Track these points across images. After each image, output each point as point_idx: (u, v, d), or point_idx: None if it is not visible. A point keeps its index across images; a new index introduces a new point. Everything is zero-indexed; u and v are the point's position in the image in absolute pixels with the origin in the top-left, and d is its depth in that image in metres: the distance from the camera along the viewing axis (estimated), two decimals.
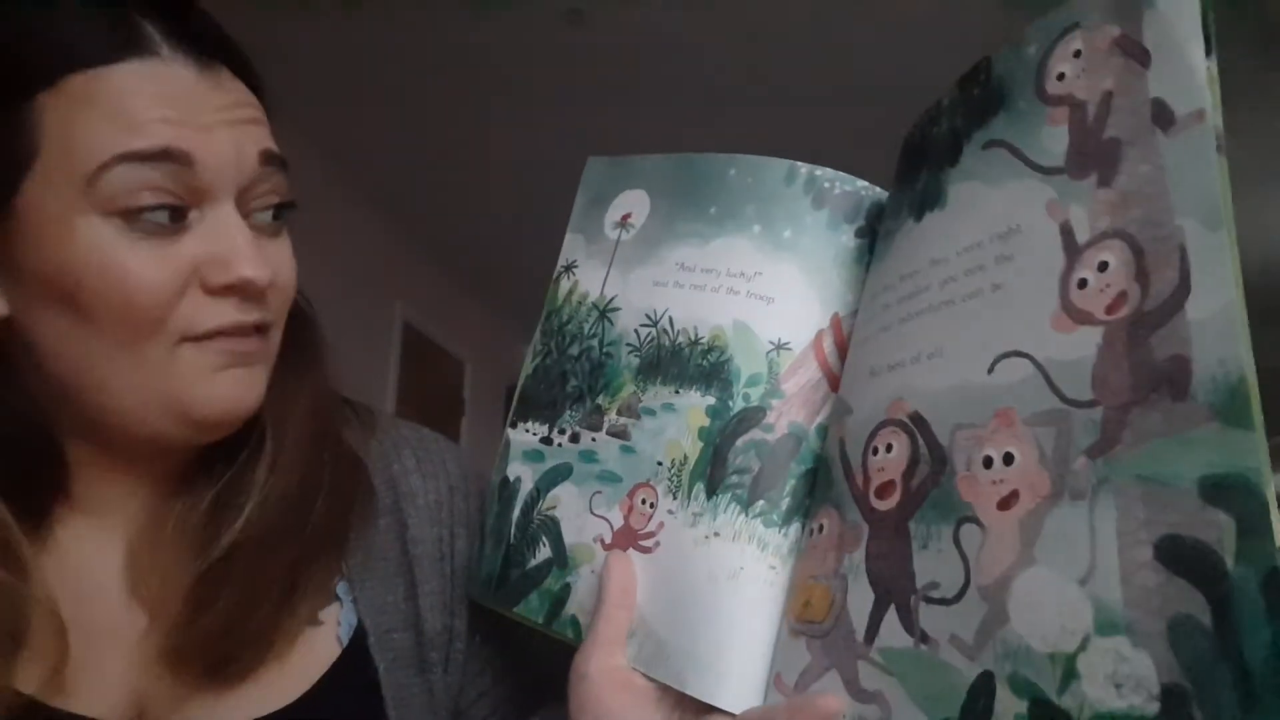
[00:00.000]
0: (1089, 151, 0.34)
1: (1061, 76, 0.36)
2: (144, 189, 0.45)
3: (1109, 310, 0.32)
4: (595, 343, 0.55)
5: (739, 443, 0.47)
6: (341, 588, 0.57)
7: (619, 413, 0.52)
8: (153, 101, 0.46)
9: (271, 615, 0.51)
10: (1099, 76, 0.34)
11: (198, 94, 0.47)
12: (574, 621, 0.50)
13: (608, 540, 0.50)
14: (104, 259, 0.45)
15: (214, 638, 0.49)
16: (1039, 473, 0.34)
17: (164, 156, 0.45)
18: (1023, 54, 0.38)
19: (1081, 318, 0.33)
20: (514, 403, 0.58)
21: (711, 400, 0.49)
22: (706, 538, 0.46)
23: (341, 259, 3.41)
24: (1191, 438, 0.29)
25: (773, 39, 2.55)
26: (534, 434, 0.55)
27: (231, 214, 0.48)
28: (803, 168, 0.51)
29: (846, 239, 0.50)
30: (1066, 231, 0.34)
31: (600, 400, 0.53)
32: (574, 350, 0.55)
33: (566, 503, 0.52)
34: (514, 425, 0.57)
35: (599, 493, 0.51)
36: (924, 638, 0.37)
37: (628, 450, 0.51)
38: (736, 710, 0.43)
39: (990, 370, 0.36)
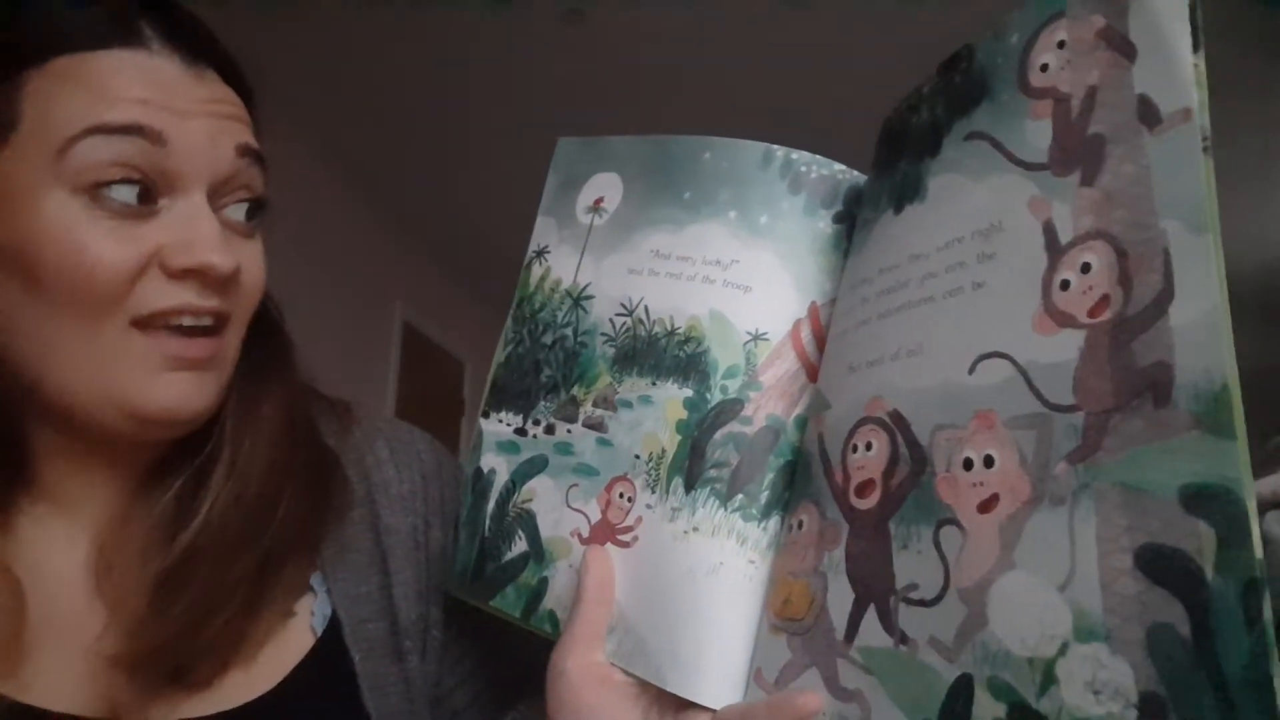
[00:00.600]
0: (1072, 148, 0.33)
1: (1045, 68, 0.35)
2: (112, 163, 0.45)
3: (1092, 313, 0.32)
4: (569, 331, 0.54)
5: (717, 436, 0.47)
6: (316, 578, 0.56)
7: (595, 404, 0.51)
8: (132, 82, 0.46)
9: (233, 622, 0.50)
10: (1083, 69, 0.33)
11: (180, 85, 0.47)
12: (551, 616, 0.49)
13: (585, 535, 0.49)
14: (67, 234, 0.45)
15: (172, 642, 0.48)
16: (1019, 476, 0.33)
17: (134, 130, 0.45)
18: (1005, 43, 0.37)
19: (1064, 320, 0.32)
20: (486, 392, 0.57)
21: (689, 393, 0.48)
22: (685, 532, 0.46)
23: (341, 259, 3.39)
24: (1173, 446, 0.29)
25: (773, 38, 2.53)
26: (508, 424, 0.55)
27: (202, 204, 0.48)
28: (778, 151, 0.50)
29: (824, 225, 0.49)
30: (1049, 230, 0.34)
31: (575, 391, 0.52)
32: (547, 339, 0.54)
33: (542, 496, 0.52)
34: (486, 415, 0.56)
35: (575, 486, 0.50)
36: (903, 638, 0.36)
37: (604, 443, 0.50)
38: (716, 706, 0.43)
39: (971, 371, 0.36)
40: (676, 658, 0.44)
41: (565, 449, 0.52)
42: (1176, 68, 0.30)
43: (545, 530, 0.51)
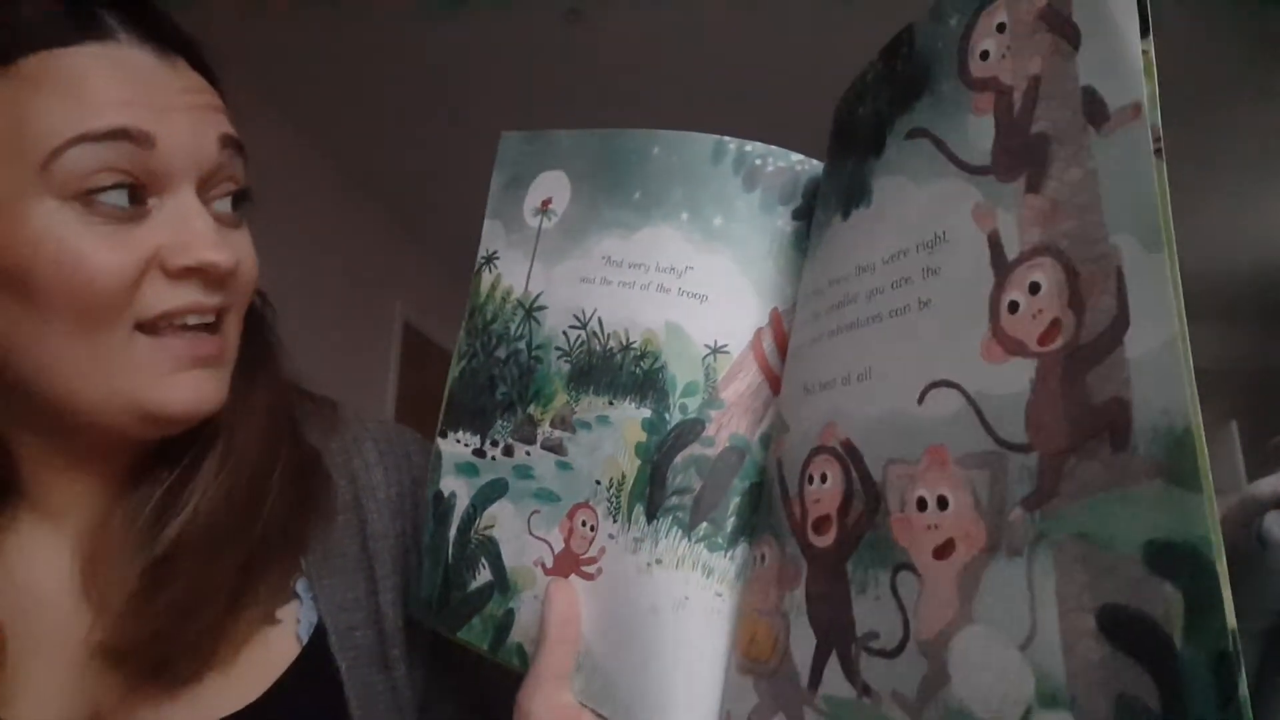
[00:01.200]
0: (1015, 149, 0.29)
1: (985, 55, 0.31)
2: (101, 170, 0.44)
3: (1042, 340, 0.28)
4: (523, 345, 0.51)
5: (678, 460, 0.44)
6: (301, 585, 0.55)
7: (553, 424, 0.48)
8: (109, 82, 0.45)
9: (216, 618, 0.50)
10: (1024, 57, 0.29)
11: (156, 77, 0.46)
12: (519, 649, 0.47)
13: (549, 565, 0.47)
14: (60, 244, 0.44)
15: (152, 639, 0.48)
16: (974, 521, 0.30)
17: (121, 136, 0.44)
18: (944, 25, 0.33)
19: (1013, 347, 0.29)
20: (442, 409, 0.54)
21: (647, 413, 0.45)
22: (649, 565, 0.43)
23: (341, 259, 3.40)
24: (1133, 495, 0.25)
25: (774, 39, 2.48)
26: (465, 445, 0.52)
27: (193, 200, 0.47)
28: (730, 143, 0.46)
29: (783, 223, 0.45)
30: (995, 244, 0.30)
31: (532, 410, 0.49)
32: (501, 352, 0.52)
33: (504, 522, 0.49)
34: (444, 435, 0.53)
35: (537, 512, 0.48)
36: (866, 690, 0.33)
37: (564, 467, 0.47)
38: None
39: (920, 400, 0.32)
40: (645, 698, 0.42)
41: (525, 472, 0.49)
42: (1123, 55, 0.26)
43: (509, 559, 0.48)
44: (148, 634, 0.47)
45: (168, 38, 0.48)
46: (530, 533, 0.48)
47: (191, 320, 0.47)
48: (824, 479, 0.36)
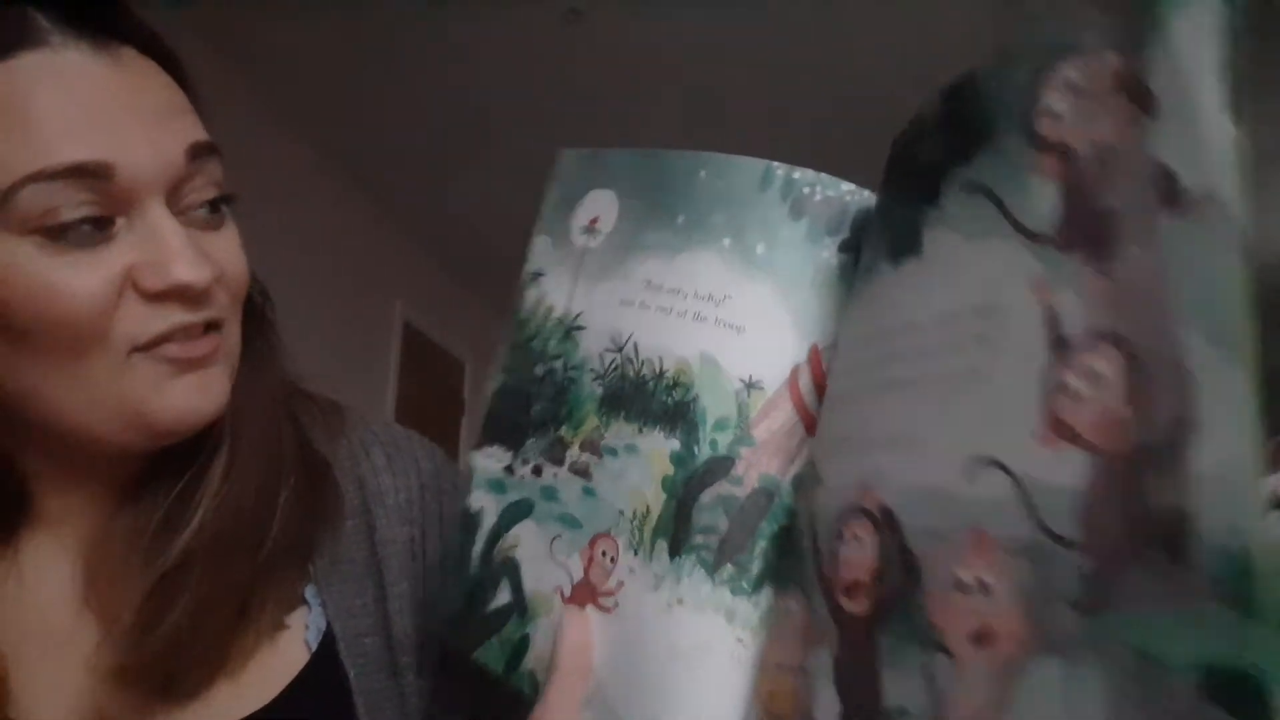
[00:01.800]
0: (1081, 222, 0.27)
1: (1056, 115, 0.28)
2: (61, 205, 0.42)
3: (1098, 433, 0.26)
4: (559, 364, 0.49)
5: (704, 498, 0.42)
6: (309, 591, 0.55)
7: (582, 447, 0.47)
8: (54, 105, 0.42)
9: (225, 630, 0.50)
10: (1096, 121, 0.27)
11: (104, 85, 0.43)
12: (531, 677, 0.46)
13: (567, 592, 0.46)
14: (28, 279, 0.42)
15: (162, 655, 0.47)
16: (1017, 614, 0.28)
17: (76, 173, 0.42)
18: (1011, 76, 0.30)
19: (1067, 435, 0.27)
20: (482, 423, 0.54)
21: (676, 445, 0.43)
22: (669, 605, 0.42)
23: (342, 258, 3.42)
24: (1191, 614, 0.23)
25: (774, 39, 2.44)
26: (497, 461, 0.51)
27: (162, 215, 0.45)
28: (779, 169, 0.44)
29: (828, 254, 0.43)
30: (1052, 321, 0.28)
31: (563, 431, 0.48)
32: (539, 370, 0.50)
33: (527, 543, 0.48)
34: (479, 448, 0.53)
35: (559, 537, 0.47)
36: None
37: (589, 493, 0.46)
38: None
39: (966, 477, 0.30)
40: None
41: (551, 494, 0.48)
42: (1202, 135, 0.24)
43: (529, 582, 0.48)
44: (157, 652, 0.47)
45: (106, 25, 0.45)
46: (552, 557, 0.47)
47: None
48: (858, 542, 0.35)
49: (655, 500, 0.43)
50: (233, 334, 0.50)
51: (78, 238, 0.43)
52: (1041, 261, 0.28)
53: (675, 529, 0.42)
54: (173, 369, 0.46)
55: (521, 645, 0.47)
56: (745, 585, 0.41)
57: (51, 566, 0.51)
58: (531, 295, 0.52)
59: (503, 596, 0.48)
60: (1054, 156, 0.28)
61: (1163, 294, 0.24)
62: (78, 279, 0.43)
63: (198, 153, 0.46)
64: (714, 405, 0.43)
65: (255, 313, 0.54)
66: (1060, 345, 0.27)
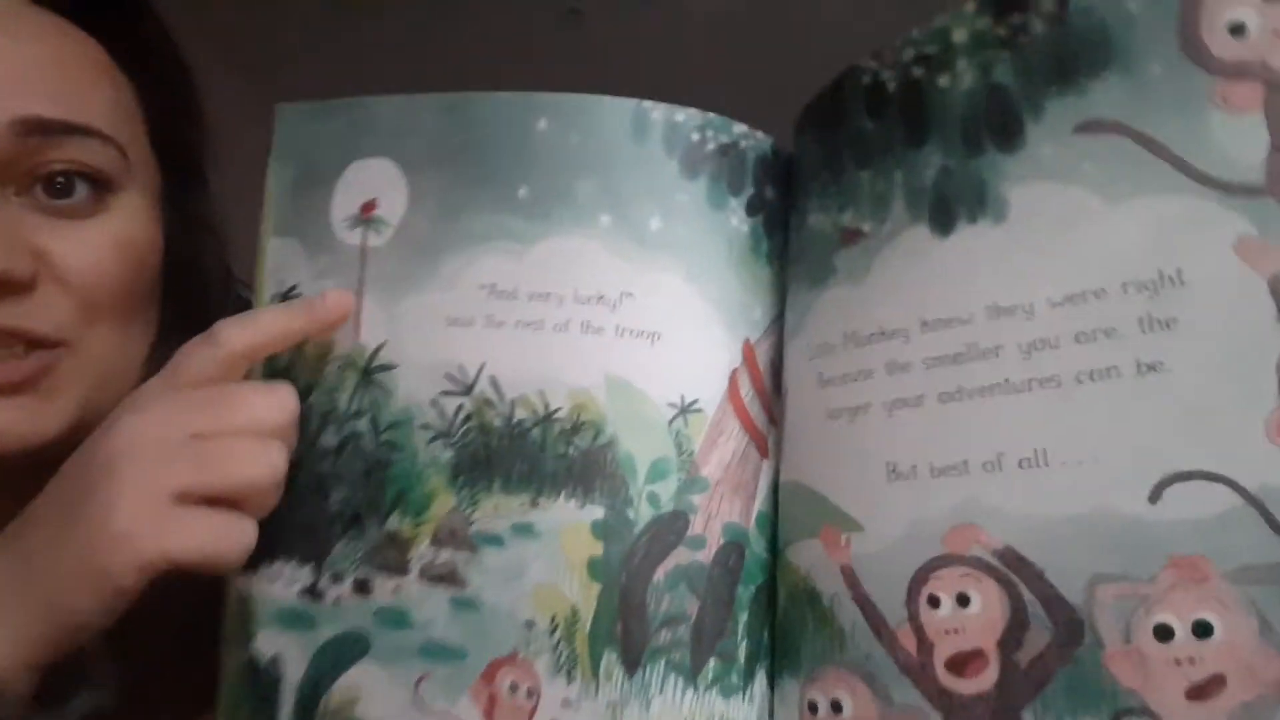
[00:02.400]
0: None
1: (1239, 30, 0.21)
2: None
3: None
4: (364, 425, 0.34)
5: (659, 577, 0.30)
6: None
7: (437, 541, 0.32)
8: None
9: None
10: None
11: None
12: None
13: None
14: None
15: None
16: (1261, 651, 0.21)
17: None
18: None
19: None
20: None
21: (598, 512, 0.31)
22: None
23: None
24: None
25: (778, 39, 2.43)
26: (289, 583, 0.34)
27: None
28: (654, 111, 0.33)
29: (737, 220, 0.33)
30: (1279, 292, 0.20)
31: (396, 524, 0.33)
32: (329, 439, 0.34)
33: (375, 695, 0.32)
34: (253, 569, 0.35)
35: (427, 677, 0.32)
36: None
37: (465, 605, 0.32)
38: None
39: (1154, 497, 0.22)
40: None
41: (397, 619, 0.32)
42: None
43: None
44: None
45: None
46: (423, 708, 0.32)
47: None
48: (963, 601, 0.25)
49: (582, 595, 0.30)
50: (86, 351, 0.40)
51: None
52: (1250, 219, 0.20)
53: (626, 630, 0.30)
54: None
55: None
56: (735, 679, 0.30)
57: None
58: None
59: None
60: (1249, 82, 0.20)
61: None
62: None
63: (32, 129, 0.37)
64: (642, 445, 0.31)
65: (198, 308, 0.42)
66: None
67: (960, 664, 0.25)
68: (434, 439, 0.33)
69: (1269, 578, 0.21)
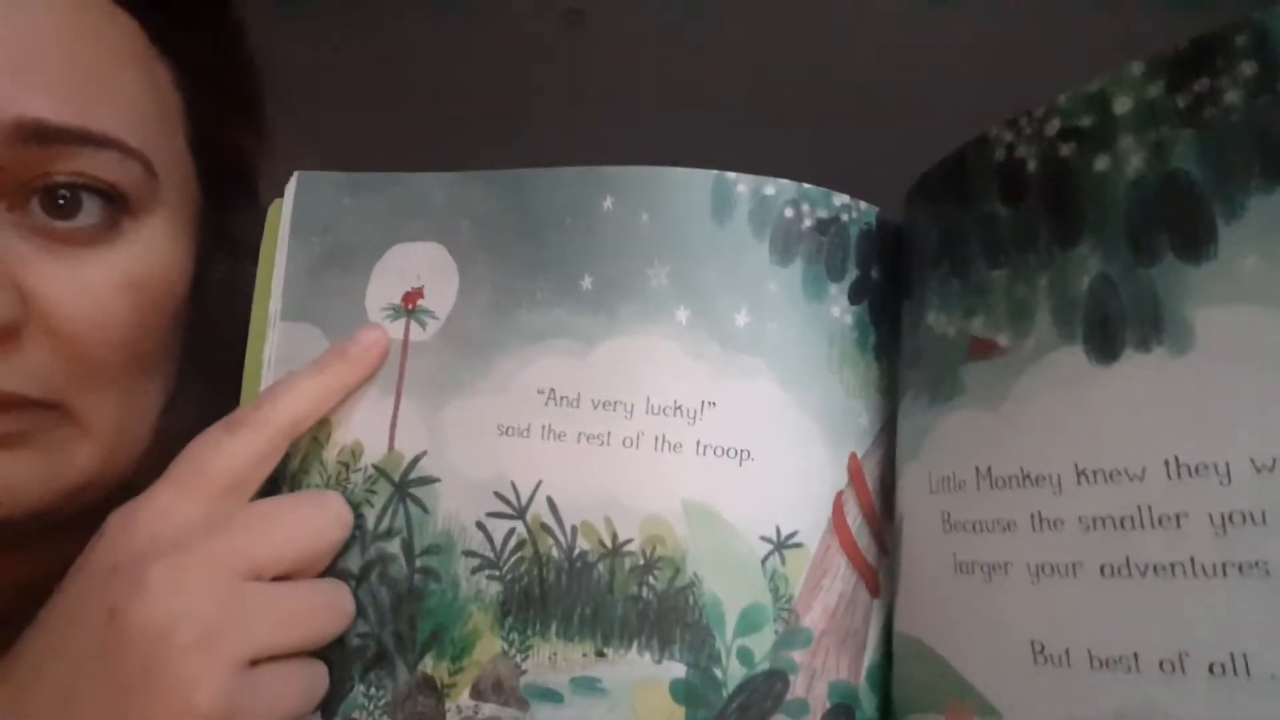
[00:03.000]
0: None
1: None
2: None
3: None
4: (396, 547, 0.29)
5: None
6: None
7: (479, 693, 0.27)
8: None
9: None
10: None
11: None
12: None
13: None
14: None
15: None
16: None
17: None
18: None
19: None
20: None
21: (677, 670, 0.26)
22: None
23: None
24: None
25: (776, 40, 2.46)
26: None
27: None
28: (740, 183, 0.28)
29: (839, 310, 0.28)
30: None
31: (430, 666, 0.28)
32: (351, 561, 0.29)
33: None
34: None
35: None
36: None
37: None
38: None
39: None
40: None
41: None
42: None
43: None
44: None
45: None
46: None
47: None
48: None
49: None
50: (85, 404, 0.33)
51: None
52: None
53: None
54: None
55: None
56: None
57: None
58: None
59: None
60: None
61: None
62: None
63: (32, 135, 0.30)
64: (731, 588, 0.26)
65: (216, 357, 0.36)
66: None
67: None
68: (479, 568, 0.28)
69: None
